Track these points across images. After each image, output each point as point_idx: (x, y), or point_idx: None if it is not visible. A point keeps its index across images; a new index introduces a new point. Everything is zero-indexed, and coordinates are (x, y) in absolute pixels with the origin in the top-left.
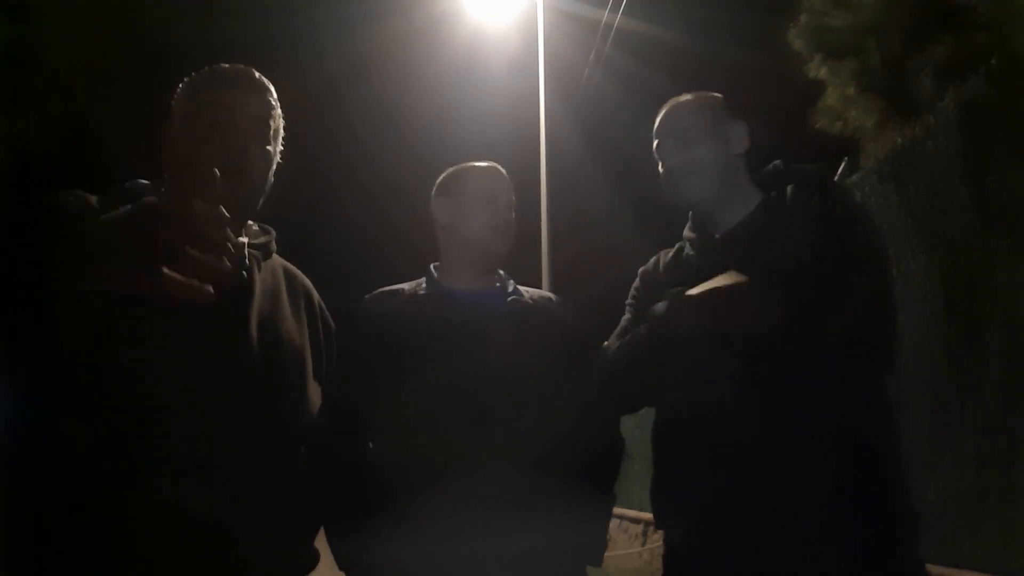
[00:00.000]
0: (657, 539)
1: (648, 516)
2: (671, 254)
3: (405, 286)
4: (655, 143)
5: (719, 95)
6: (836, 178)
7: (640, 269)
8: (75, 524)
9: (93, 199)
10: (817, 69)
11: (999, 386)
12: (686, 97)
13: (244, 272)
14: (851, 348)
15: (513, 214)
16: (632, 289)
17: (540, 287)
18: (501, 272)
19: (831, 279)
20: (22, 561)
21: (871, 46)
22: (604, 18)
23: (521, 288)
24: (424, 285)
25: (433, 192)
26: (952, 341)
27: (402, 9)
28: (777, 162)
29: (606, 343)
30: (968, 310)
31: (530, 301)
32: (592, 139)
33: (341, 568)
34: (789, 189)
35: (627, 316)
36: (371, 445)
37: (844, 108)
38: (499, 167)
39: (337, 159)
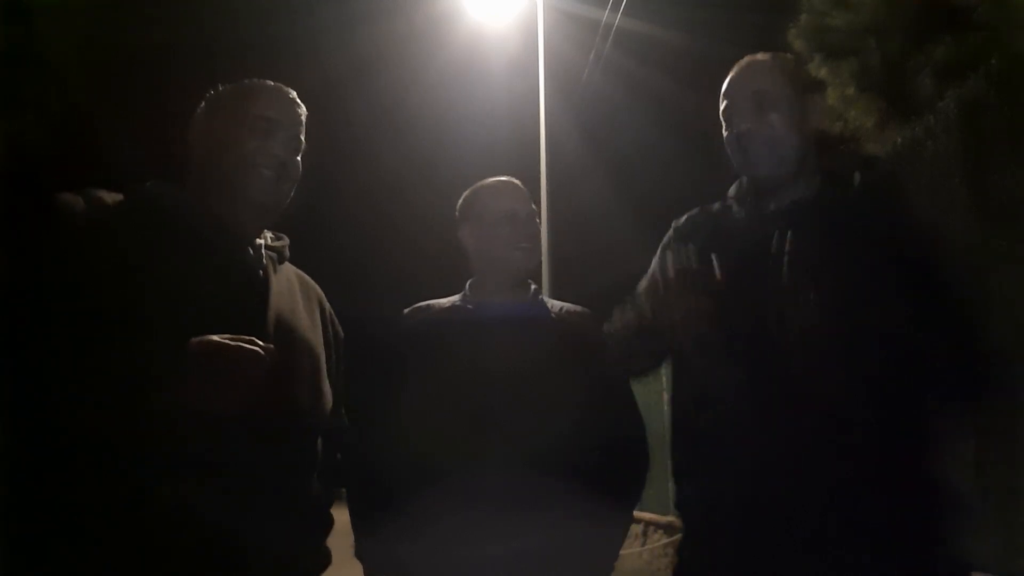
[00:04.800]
0: (657, 539)
1: (648, 516)
2: (713, 211)
3: (443, 300)
4: (724, 103)
5: (794, 57)
6: None
7: (673, 223)
8: (86, 526)
9: (109, 198)
10: (817, 69)
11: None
12: (763, 56)
13: (260, 271)
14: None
15: (537, 225)
16: (664, 242)
17: (540, 287)
18: (533, 286)
19: (888, 275)
20: (28, 563)
21: (871, 46)
22: (604, 18)
23: (549, 300)
24: (457, 299)
25: (457, 217)
26: None
27: (402, 9)
28: (846, 146)
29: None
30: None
31: (554, 314)
32: (592, 139)
33: (375, 569)
34: (856, 175)
35: (654, 268)
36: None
37: (844, 108)
38: (513, 181)
39: (337, 159)
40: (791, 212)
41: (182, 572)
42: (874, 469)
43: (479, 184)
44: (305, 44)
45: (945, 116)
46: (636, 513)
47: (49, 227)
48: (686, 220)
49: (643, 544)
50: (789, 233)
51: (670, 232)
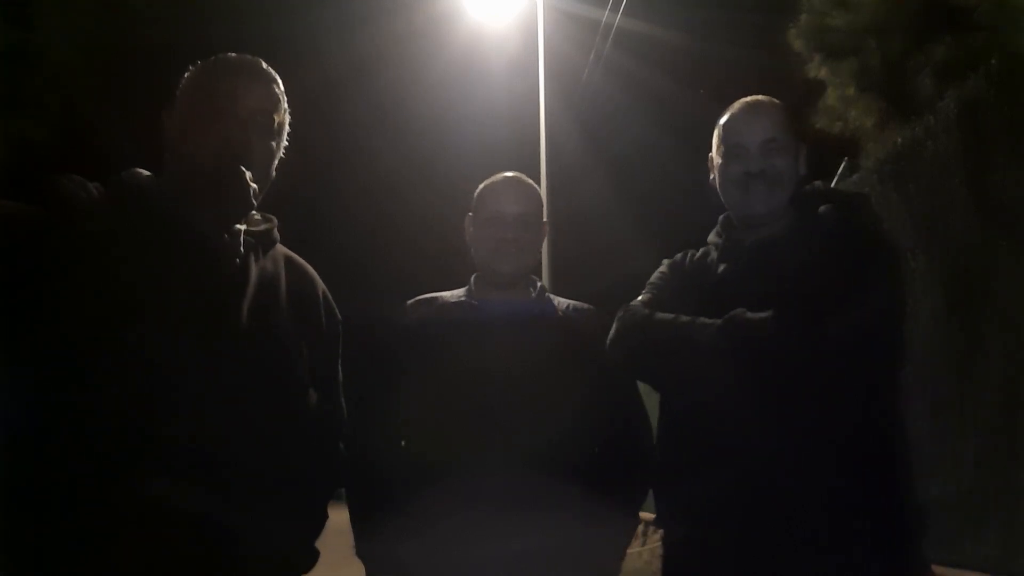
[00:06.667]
0: (657, 539)
1: (649, 516)
2: (698, 255)
3: (448, 294)
4: (735, 140)
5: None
6: (836, 179)
7: (666, 260)
8: (67, 524)
9: (93, 187)
10: (817, 69)
11: (999, 386)
12: (768, 100)
13: (237, 260)
14: (854, 354)
15: (531, 227)
16: (657, 272)
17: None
18: (539, 284)
19: (842, 291)
20: (20, 561)
21: (871, 46)
22: (604, 18)
23: (555, 298)
24: (462, 294)
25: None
26: (952, 341)
27: (402, 9)
28: (817, 183)
29: (634, 305)
30: (968, 310)
31: (560, 312)
32: (592, 139)
33: (376, 569)
34: (823, 209)
35: (647, 295)
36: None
37: (844, 108)
38: (518, 179)
39: (337, 159)
40: (761, 247)
41: (165, 570)
42: (854, 473)
43: (487, 180)
44: (305, 44)
45: (945, 116)
46: None
47: (47, 212)
48: (678, 259)
49: (643, 544)
50: (757, 266)
51: (663, 267)
